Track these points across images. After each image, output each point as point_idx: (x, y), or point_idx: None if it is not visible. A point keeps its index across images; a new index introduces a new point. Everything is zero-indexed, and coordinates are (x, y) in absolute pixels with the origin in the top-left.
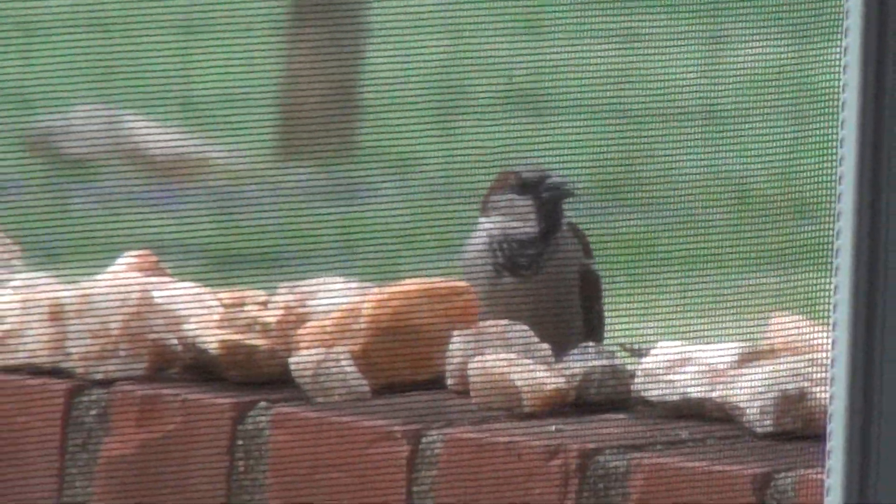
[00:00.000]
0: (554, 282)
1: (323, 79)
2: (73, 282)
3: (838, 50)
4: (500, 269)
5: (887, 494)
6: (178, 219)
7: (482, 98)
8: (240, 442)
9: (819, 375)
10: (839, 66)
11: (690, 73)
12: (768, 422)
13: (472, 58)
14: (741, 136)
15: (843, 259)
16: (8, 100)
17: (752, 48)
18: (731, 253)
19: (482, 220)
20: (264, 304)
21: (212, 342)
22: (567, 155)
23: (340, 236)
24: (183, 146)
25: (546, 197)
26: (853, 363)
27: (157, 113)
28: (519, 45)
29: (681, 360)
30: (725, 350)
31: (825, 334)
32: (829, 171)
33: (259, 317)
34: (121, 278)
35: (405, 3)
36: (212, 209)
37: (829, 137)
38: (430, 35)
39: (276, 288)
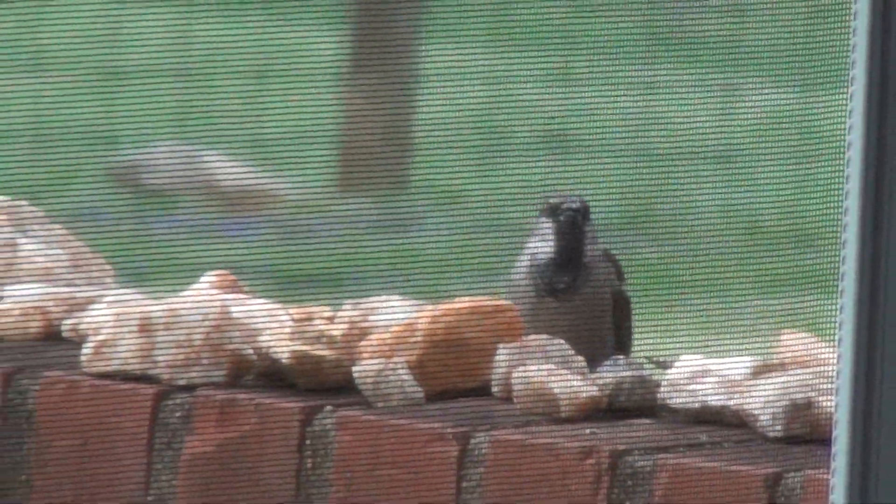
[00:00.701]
0: (589, 304)
1: (378, 121)
2: (160, 298)
3: (844, 97)
4: (540, 292)
5: (886, 493)
6: (250, 244)
7: (520, 139)
8: (308, 442)
9: (825, 386)
10: (845, 111)
11: (707, 118)
12: (779, 427)
13: (511, 103)
14: (754, 174)
15: (848, 283)
16: (97, 137)
17: (763, 96)
18: (746, 278)
19: (533, 246)
20: (330, 319)
21: (284, 353)
22: (597, 191)
23: (394, 260)
24: (254, 180)
25: (562, 220)
26: (856, 376)
27: (231, 150)
28: (554, 92)
29: (701, 371)
30: (741, 363)
31: (831, 350)
32: (835, 205)
33: (326, 330)
34: (202, 295)
35: (453, 53)
36: (281, 236)
37: (835, 175)
38: (474, 82)
39: (341, 305)
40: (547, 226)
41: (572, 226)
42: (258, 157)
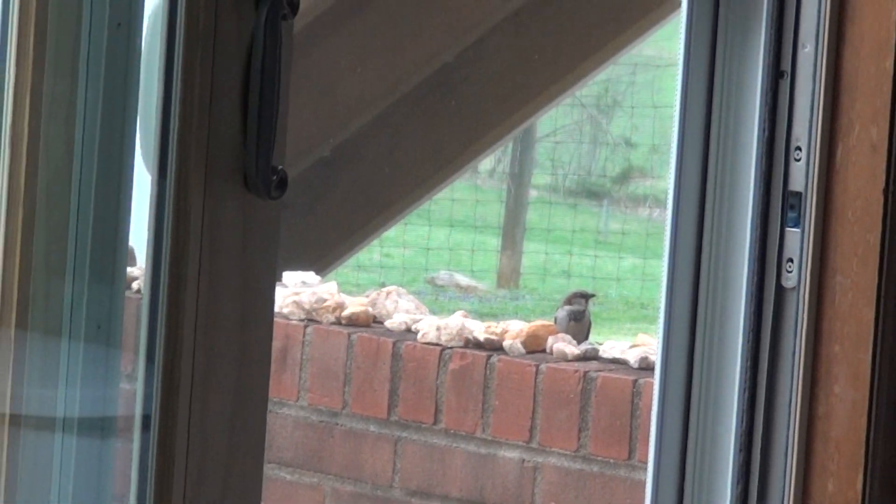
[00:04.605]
0: (584, 326)
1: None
2: (444, 318)
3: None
4: (569, 322)
5: (673, 364)
6: (483, 306)
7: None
8: (487, 366)
9: (653, 353)
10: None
11: None
12: (636, 365)
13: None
14: None
15: (663, 304)
16: (422, 263)
17: None
18: (623, 316)
19: (563, 307)
20: (496, 327)
21: (481, 336)
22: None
23: (516, 312)
24: (466, 281)
25: (589, 296)
26: (664, 348)
27: (457, 272)
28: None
29: (612, 347)
30: (626, 345)
31: (656, 342)
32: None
33: (494, 330)
34: (456, 320)
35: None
36: (480, 305)
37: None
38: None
39: (499, 322)
40: (580, 298)
41: (587, 300)
42: (473, 275)
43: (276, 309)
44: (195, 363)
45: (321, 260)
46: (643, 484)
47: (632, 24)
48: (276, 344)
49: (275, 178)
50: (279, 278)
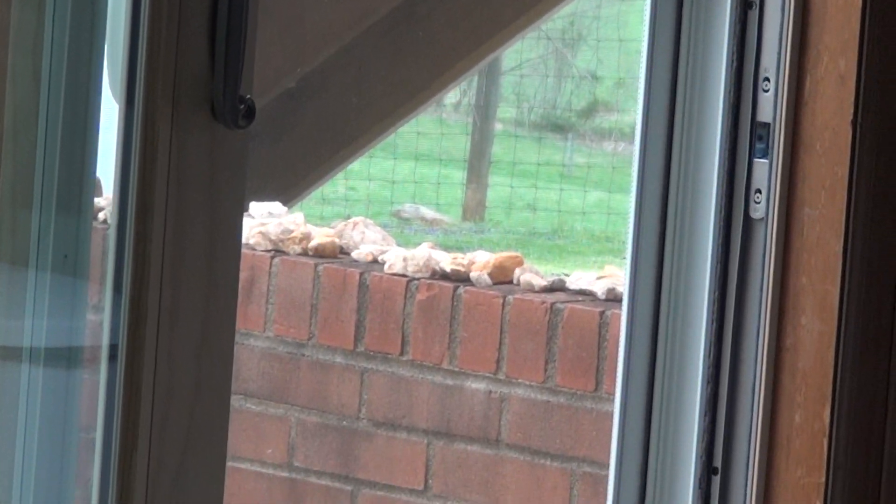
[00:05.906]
0: None
1: (474, 198)
2: (413, 249)
3: None
4: None
5: (638, 310)
6: (437, 236)
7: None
8: (454, 297)
9: (620, 284)
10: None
11: None
12: (604, 295)
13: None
14: None
15: (631, 238)
16: (388, 202)
17: None
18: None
19: None
20: (462, 258)
21: (448, 267)
22: None
23: (483, 243)
24: (435, 215)
25: None
26: (632, 279)
27: (425, 205)
28: None
29: (579, 278)
30: (592, 276)
31: (622, 273)
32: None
33: (461, 261)
34: (424, 251)
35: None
36: (444, 233)
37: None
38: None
39: (466, 254)
40: None
41: None
42: (438, 208)
43: (243, 240)
44: (162, 294)
45: (287, 191)
46: (610, 415)
47: None
48: (243, 275)
49: (242, 107)
50: (246, 209)
